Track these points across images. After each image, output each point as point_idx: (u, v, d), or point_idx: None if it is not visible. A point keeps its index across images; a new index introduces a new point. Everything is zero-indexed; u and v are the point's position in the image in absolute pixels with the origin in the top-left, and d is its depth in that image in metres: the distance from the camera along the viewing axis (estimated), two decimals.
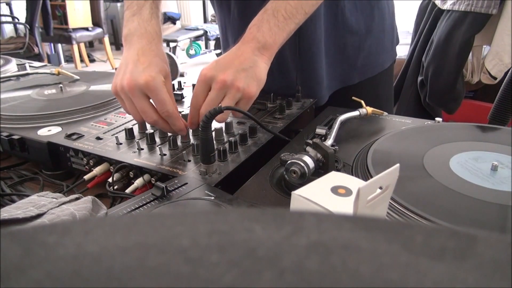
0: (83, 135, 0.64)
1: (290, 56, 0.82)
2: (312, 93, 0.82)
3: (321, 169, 0.48)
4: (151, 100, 0.57)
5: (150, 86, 0.54)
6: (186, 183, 0.48)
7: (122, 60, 0.59)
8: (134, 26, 0.60)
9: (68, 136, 0.64)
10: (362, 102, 0.66)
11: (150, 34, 0.59)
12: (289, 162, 0.46)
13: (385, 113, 0.67)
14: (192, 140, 0.61)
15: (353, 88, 0.86)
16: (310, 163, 0.46)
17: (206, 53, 4.57)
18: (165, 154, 0.57)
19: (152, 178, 0.54)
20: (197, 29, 4.39)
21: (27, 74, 1.00)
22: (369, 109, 0.65)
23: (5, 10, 3.99)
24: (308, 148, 0.50)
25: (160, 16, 0.64)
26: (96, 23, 4.08)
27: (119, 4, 4.96)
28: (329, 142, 0.53)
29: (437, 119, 0.63)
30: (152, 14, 0.61)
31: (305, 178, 0.45)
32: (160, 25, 0.63)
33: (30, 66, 1.09)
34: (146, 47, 0.58)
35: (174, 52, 4.05)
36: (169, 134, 0.62)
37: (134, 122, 0.69)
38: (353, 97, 0.67)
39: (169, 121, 0.58)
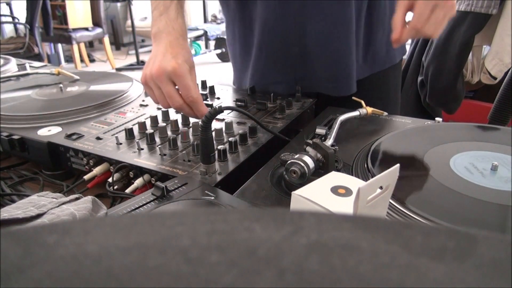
0: (83, 135, 0.64)
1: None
2: (343, 84, 0.81)
3: (321, 169, 0.48)
4: (177, 87, 0.61)
5: (177, 72, 0.59)
6: (186, 183, 0.48)
7: (152, 54, 0.63)
8: (162, 24, 0.65)
9: (68, 136, 0.64)
10: (362, 102, 0.66)
11: (177, 31, 0.64)
12: (289, 162, 0.46)
13: (385, 113, 0.67)
14: (192, 140, 0.61)
15: (363, 82, 0.85)
16: (310, 163, 0.46)
17: (206, 53, 4.57)
18: (165, 154, 0.57)
19: (152, 178, 0.54)
20: (197, 29, 4.39)
21: (27, 74, 1.00)
22: (369, 109, 0.65)
23: (5, 10, 3.99)
24: (308, 148, 0.50)
25: (184, 16, 0.69)
26: (96, 23, 4.08)
27: (119, 4, 4.96)
28: (329, 142, 0.53)
29: (437, 119, 0.63)
30: (178, 14, 0.66)
31: (305, 178, 0.45)
32: (185, 24, 0.68)
33: (30, 66, 1.09)
34: (174, 41, 0.63)
35: None
36: (169, 134, 0.62)
37: (134, 122, 0.69)
38: (353, 97, 0.67)
39: (193, 106, 0.61)
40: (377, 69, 0.86)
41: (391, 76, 0.90)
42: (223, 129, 0.63)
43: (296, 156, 0.47)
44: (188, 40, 4.33)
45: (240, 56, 0.89)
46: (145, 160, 0.56)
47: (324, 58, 0.80)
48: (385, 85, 0.90)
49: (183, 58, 0.61)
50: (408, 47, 1.60)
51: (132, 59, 4.57)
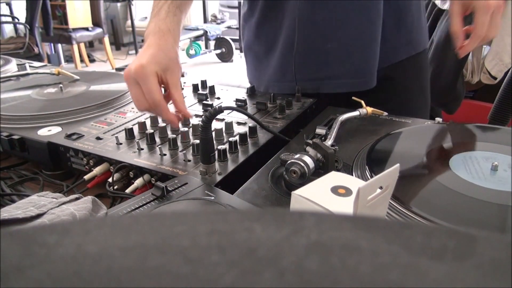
0: (83, 135, 0.64)
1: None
2: (362, 73, 0.79)
3: (321, 169, 0.48)
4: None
5: (138, 74, 0.57)
6: (186, 183, 0.48)
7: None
8: (151, 26, 0.64)
9: (68, 136, 0.64)
10: (362, 102, 0.66)
11: (162, 31, 0.62)
12: (289, 162, 0.46)
13: (385, 113, 0.67)
14: (192, 140, 0.61)
15: (396, 66, 0.82)
16: (310, 163, 0.46)
17: (206, 53, 4.57)
18: (165, 154, 0.57)
19: (152, 178, 0.54)
20: (197, 29, 4.39)
21: (27, 74, 1.00)
22: (369, 109, 0.65)
23: (5, 10, 3.99)
24: (308, 148, 0.50)
25: (179, 14, 0.67)
26: (96, 23, 4.08)
27: (119, 4, 4.96)
28: (329, 142, 0.53)
29: (437, 119, 0.63)
30: (168, 13, 0.65)
31: (305, 178, 0.45)
32: (177, 23, 0.66)
33: (30, 66, 1.09)
34: (153, 42, 0.61)
35: None
36: (169, 134, 0.62)
37: (134, 122, 0.69)
38: (353, 97, 0.67)
39: (156, 111, 0.60)
40: (412, 52, 0.83)
41: (423, 62, 0.87)
42: (223, 129, 0.63)
43: (296, 156, 0.47)
44: (188, 40, 4.34)
45: (266, 55, 0.85)
46: (145, 160, 0.56)
47: (355, 53, 0.77)
48: (419, 71, 0.87)
49: (152, 59, 0.58)
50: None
51: (132, 59, 4.55)
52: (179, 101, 0.60)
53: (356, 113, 0.63)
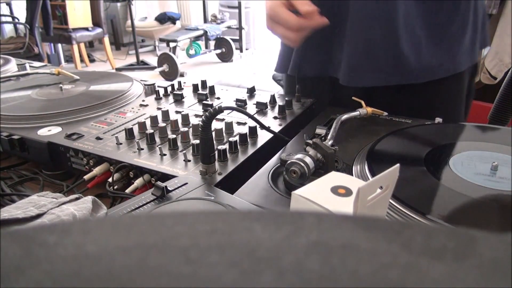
0: (83, 135, 0.64)
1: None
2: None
3: (321, 169, 0.48)
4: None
5: (272, 15, 0.62)
6: (186, 183, 0.48)
7: None
8: None
9: (68, 136, 0.64)
10: (362, 102, 0.66)
11: None
12: (289, 162, 0.46)
13: (385, 113, 0.67)
14: (192, 140, 0.61)
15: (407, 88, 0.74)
16: (310, 163, 0.46)
17: (206, 53, 4.57)
18: (165, 154, 0.57)
19: (152, 178, 0.54)
20: (197, 29, 4.39)
21: (27, 74, 1.00)
22: (369, 109, 0.65)
23: (5, 10, 3.99)
24: (308, 148, 0.50)
25: None
26: (96, 23, 4.08)
27: (119, 4, 4.96)
28: (329, 142, 0.53)
29: (437, 119, 0.63)
30: None
31: (305, 178, 0.45)
32: None
33: (30, 66, 1.09)
34: None
35: (174, 52, 4.05)
36: (169, 134, 0.62)
37: (134, 122, 0.69)
38: (353, 97, 0.67)
39: (303, 30, 0.62)
40: (428, 77, 0.74)
41: (446, 88, 0.77)
42: (223, 129, 0.63)
43: (296, 156, 0.47)
44: (188, 40, 4.34)
45: (319, 46, 0.78)
46: (145, 160, 0.56)
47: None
48: (439, 96, 0.77)
49: None
50: None
51: (132, 59, 4.56)
52: (300, 4, 0.61)
53: (356, 113, 0.63)
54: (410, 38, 0.71)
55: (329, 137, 0.55)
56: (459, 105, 0.82)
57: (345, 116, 0.61)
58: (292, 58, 0.81)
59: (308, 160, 0.46)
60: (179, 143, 0.60)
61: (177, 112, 0.73)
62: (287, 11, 0.61)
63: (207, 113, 0.49)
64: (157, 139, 0.62)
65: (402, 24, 0.70)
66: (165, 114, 0.69)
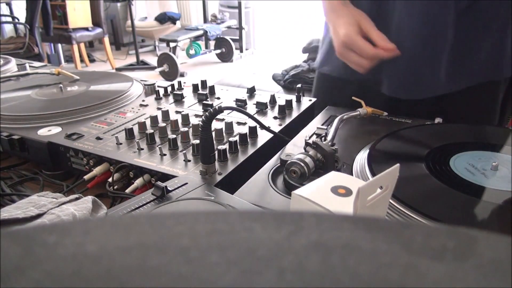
0: (83, 135, 0.64)
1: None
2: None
3: (321, 169, 0.48)
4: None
5: (347, 42, 0.64)
6: (186, 183, 0.48)
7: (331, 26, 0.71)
8: (326, 7, 0.72)
9: (68, 136, 0.64)
10: (362, 102, 0.66)
11: (334, 5, 0.70)
12: (289, 162, 0.46)
13: (385, 113, 0.67)
14: (192, 140, 0.61)
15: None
16: (310, 162, 0.46)
17: (206, 53, 4.57)
18: (165, 154, 0.57)
19: (152, 178, 0.54)
20: (197, 29, 4.38)
21: (27, 74, 1.00)
22: (369, 109, 0.65)
23: (5, 10, 3.99)
24: (308, 148, 0.50)
25: None
26: (96, 23, 4.08)
27: (119, 4, 4.96)
28: (328, 142, 0.53)
29: (437, 119, 0.63)
30: None
31: (305, 178, 0.45)
32: None
33: (30, 66, 1.09)
34: (334, 18, 0.68)
35: (174, 52, 4.05)
36: (169, 134, 0.62)
37: (134, 122, 0.69)
38: (353, 97, 0.67)
39: (374, 60, 0.64)
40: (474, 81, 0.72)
41: (484, 93, 0.75)
42: (223, 129, 0.63)
43: (296, 156, 0.47)
44: (188, 40, 4.34)
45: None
46: (145, 160, 0.56)
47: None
48: (475, 103, 0.75)
49: (349, 24, 0.65)
50: None
51: (132, 59, 4.56)
52: (379, 39, 0.64)
53: (356, 112, 0.64)
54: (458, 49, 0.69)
55: (329, 137, 0.55)
56: (495, 111, 0.79)
57: (345, 116, 0.61)
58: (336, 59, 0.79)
59: (308, 160, 0.46)
60: (179, 143, 0.60)
61: (177, 112, 0.73)
62: (364, 40, 0.64)
63: (207, 113, 0.49)
64: (157, 139, 0.62)
65: (452, 32, 0.68)
66: (165, 114, 0.69)
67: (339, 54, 0.67)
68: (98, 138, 0.63)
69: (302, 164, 0.45)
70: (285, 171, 0.47)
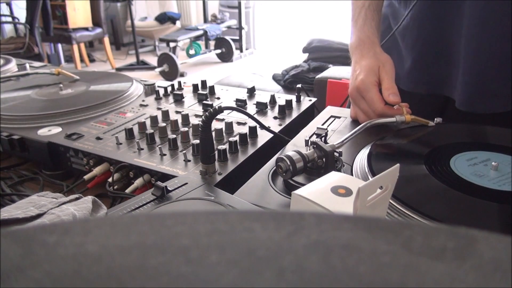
0: (83, 135, 0.64)
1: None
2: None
3: (321, 169, 0.48)
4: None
5: (361, 88, 0.63)
6: (186, 183, 0.48)
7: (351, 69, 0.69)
8: (354, 39, 0.70)
9: (68, 136, 0.64)
10: (405, 107, 0.61)
11: (363, 41, 0.68)
12: (278, 157, 0.47)
13: (431, 123, 0.61)
14: (192, 140, 0.61)
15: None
16: (298, 160, 0.46)
17: (206, 53, 4.57)
18: (165, 154, 0.57)
19: (152, 178, 0.54)
20: (197, 29, 4.39)
21: (27, 74, 1.00)
22: (409, 117, 0.60)
23: (5, 10, 3.98)
24: (308, 148, 0.50)
25: (376, 17, 0.71)
26: (96, 23, 4.08)
27: (119, 4, 4.96)
28: (338, 143, 0.52)
29: (437, 119, 0.63)
30: (365, 20, 0.70)
31: (290, 175, 0.46)
32: (376, 27, 0.70)
33: (30, 66, 1.09)
34: (358, 55, 0.67)
35: (174, 52, 4.05)
36: (169, 134, 0.62)
37: (134, 122, 0.69)
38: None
39: (382, 114, 0.63)
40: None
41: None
42: (223, 129, 0.63)
43: (286, 153, 0.47)
44: (188, 40, 4.34)
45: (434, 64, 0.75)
46: (145, 160, 0.56)
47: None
48: None
49: (367, 71, 0.63)
50: None
51: (132, 59, 4.56)
52: (386, 90, 0.62)
53: (391, 119, 0.60)
54: None
55: (345, 139, 0.53)
56: None
57: (376, 122, 0.58)
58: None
59: (296, 157, 0.46)
60: (179, 143, 0.60)
61: (177, 112, 0.73)
62: (378, 93, 0.62)
63: (207, 113, 0.49)
64: (157, 139, 0.62)
65: None
66: (165, 114, 0.69)
67: (350, 94, 0.66)
68: (98, 138, 0.63)
69: (288, 161, 0.45)
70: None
